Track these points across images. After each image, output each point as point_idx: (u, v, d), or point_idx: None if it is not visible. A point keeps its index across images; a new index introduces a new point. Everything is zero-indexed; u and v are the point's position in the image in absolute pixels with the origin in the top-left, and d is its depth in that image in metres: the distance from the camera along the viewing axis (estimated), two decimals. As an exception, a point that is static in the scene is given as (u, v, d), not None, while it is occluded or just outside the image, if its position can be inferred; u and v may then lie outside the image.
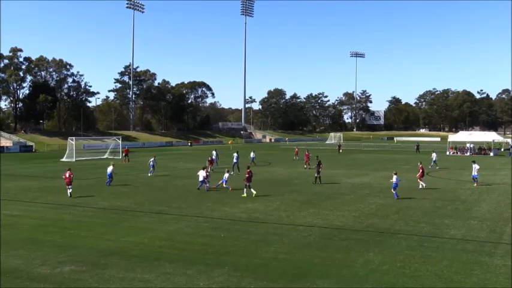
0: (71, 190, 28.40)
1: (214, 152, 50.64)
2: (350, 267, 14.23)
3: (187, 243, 17.22)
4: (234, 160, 43.90)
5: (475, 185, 34.00)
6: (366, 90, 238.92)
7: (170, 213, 23.21)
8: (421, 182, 32.68)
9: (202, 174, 31.28)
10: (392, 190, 28.23)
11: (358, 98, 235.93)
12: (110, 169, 34.28)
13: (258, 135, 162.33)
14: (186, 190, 31.38)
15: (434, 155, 50.90)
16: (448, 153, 74.56)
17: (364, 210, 23.94)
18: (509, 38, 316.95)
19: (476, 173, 34.50)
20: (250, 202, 26.25)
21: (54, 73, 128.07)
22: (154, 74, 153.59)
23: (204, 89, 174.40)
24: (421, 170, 33.20)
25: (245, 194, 28.46)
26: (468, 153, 74.07)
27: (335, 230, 19.33)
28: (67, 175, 28.80)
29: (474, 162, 35.54)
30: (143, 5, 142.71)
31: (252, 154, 53.20)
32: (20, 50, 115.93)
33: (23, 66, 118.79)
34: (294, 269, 14.08)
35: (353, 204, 25.72)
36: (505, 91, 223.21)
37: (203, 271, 13.77)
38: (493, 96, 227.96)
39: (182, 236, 18.40)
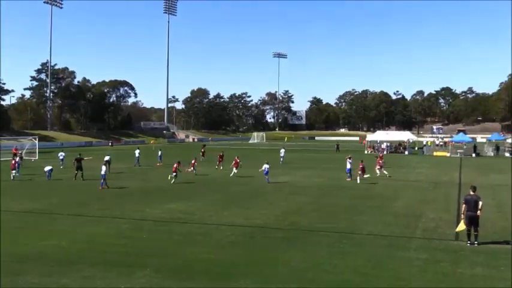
0: (14, 173, 37.01)
1: (137, 151, 50.98)
2: (272, 266, 14.42)
3: (108, 245, 16.84)
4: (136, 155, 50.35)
5: (348, 180, 36.13)
6: (288, 91, 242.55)
7: (90, 214, 22.58)
8: (358, 177, 35.34)
9: (103, 168, 32.96)
10: (265, 176, 34.66)
11: (281, 98, 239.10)
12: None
13: (181, 135, 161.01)
14: (107, 191, 30.65)
15: (282, 151, 56.20)
16: (366, 152, 77.15)
17: (286, 209, 24.32)
18: (430, 39, 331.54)
19: (348, 167, 36.84)
20: (172, 202, 26.03)
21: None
22: (73, 72, 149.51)
23: (126, 88, 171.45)
24: (361, 166, 35.92)
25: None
26: (385, 152, 76.98)
27: (257, 229, 19.53)
28: (13, 162, 38.00)
29: (350, 158, 37.79)
30: (61, 1, 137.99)
31: (159, 153, 53.57)
32: None
33: None
34: (217, 269, 14.12)
35: (275, 203, 26.06)
36: (419, 92, 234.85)
37: (124, 273, 13.53)
38: (408, 97, 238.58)
39: (102, 238, 17.98)
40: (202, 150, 59.67)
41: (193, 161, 40.55)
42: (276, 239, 17.83)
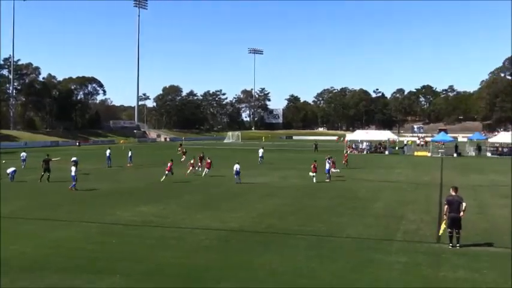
0: None
1: (108, 151, 50.95)
2: (248, 270, 14.47)
3: (76, 250, 16.67)
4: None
5: (327, 180, 36.63)
6: (264, 88, 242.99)
7: (58, 218, 22.34)
8: (334, 170, 39.43)
9: (73, 169, 32.02)
10: (236, 176, 35.18)
11: (257, 96, 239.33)
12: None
13: (152, 134, 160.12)
14: (75, 193, 30.31)
15: (261, 151, 56.38)
16: (345, 151, 77.54)
17: (262, 211, 24.36)
18: (414, 37, 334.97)
19: (327, 168, 37.53)
20: (144, 205, 25.89)
21: None
22: (38, 68, 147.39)
23: (94, 85, 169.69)
24: (333, 163, 39.06)
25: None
26: (365, 152, 77.74)
27: (233, 232, 19.53)
28: None
29: (329, 158, 38.89)
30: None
31: (129, 153, 52.94)
32: None
33: None
34: (191, 273, 14.10)
35: (251, 205, 26.11)
36: (399, 90, 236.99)
37: (93, 280, 13.41)
38: (388, 95, 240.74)
39: (71, 243, 17.78)
40: (183, 150, 59.19)
41: (192, 161, 42.44)
42: (252, 243, 17.85)
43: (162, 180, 35.53)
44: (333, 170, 39.30)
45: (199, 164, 45.32)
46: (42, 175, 36.24)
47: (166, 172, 36.27)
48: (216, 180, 37.02)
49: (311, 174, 36.85)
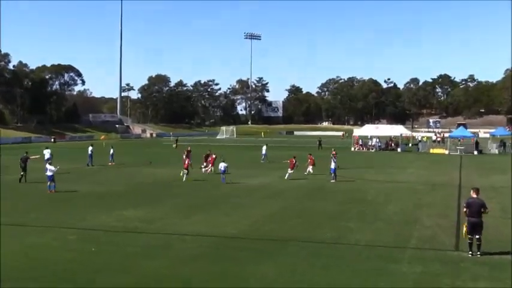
0: None
1: (90, 148, 51.11)
2: (243, 281, 14.45)
3: (51, 260, 16.62)
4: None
5: (332, 181, 36.98)
6: (262, 78, 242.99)
7: (30, 224, 22.28)
8: (308, 169, 41.23)
9: (50, 168, 31.85)
10: (221, 175, 36.01)
11: (254, 86, 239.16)
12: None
13: (136, 129, 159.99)
14: (52, 196, 30.27)
15: (264, 148, 57.51)
16: (353, 149, 77.60)
17: (260, 216, 24.36)
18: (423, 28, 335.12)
19: (333, 167, 37.85)
20: (128, 208, 25.85)
21: None
22: (7, 55, 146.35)
23: (72, 74, 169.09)
24: (311, 160, 41.14)
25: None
26: (374, 150, 77.62)
27: (227, 239, 19.53)
28: None
29: (333, 156, 39.73)
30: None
31: (111, 151, 52.95)
32: None
33: None
34: (180, 285, 14.11)
35: (248, 209, 26.11)
36: (413, 80, 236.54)
37: (70, 292, 13.43)
38: (401, 85, 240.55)
39: (44, 252, 17.73)
40: (188, 149, 58.82)
41: (209, 159, 43.65)
42: (247, 251, 17.85)
43: (183, 179, 36.80)
44: (310, 169, 40.52)
45: (204, 162, 45.34)
46: (22, 175, 36.12)
47: (185, 170, 37.29)
48: (209, 181, 37.01)
49: (289, 171, 38.20)
